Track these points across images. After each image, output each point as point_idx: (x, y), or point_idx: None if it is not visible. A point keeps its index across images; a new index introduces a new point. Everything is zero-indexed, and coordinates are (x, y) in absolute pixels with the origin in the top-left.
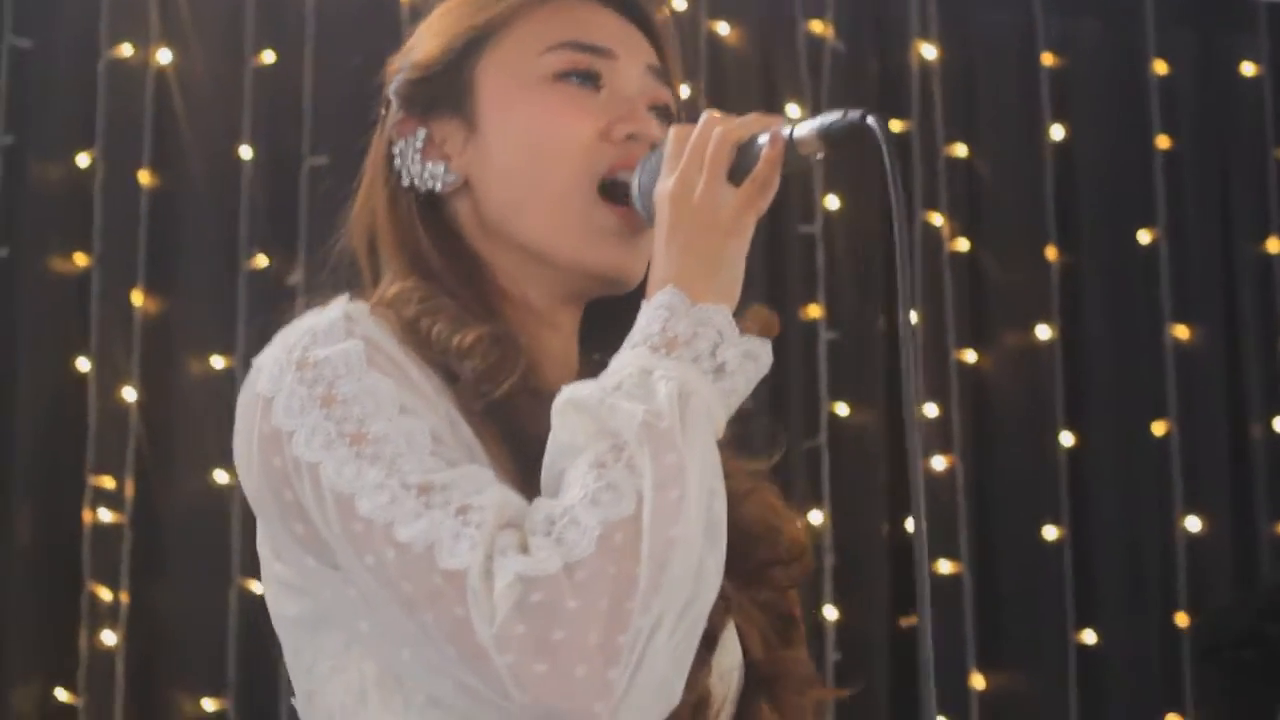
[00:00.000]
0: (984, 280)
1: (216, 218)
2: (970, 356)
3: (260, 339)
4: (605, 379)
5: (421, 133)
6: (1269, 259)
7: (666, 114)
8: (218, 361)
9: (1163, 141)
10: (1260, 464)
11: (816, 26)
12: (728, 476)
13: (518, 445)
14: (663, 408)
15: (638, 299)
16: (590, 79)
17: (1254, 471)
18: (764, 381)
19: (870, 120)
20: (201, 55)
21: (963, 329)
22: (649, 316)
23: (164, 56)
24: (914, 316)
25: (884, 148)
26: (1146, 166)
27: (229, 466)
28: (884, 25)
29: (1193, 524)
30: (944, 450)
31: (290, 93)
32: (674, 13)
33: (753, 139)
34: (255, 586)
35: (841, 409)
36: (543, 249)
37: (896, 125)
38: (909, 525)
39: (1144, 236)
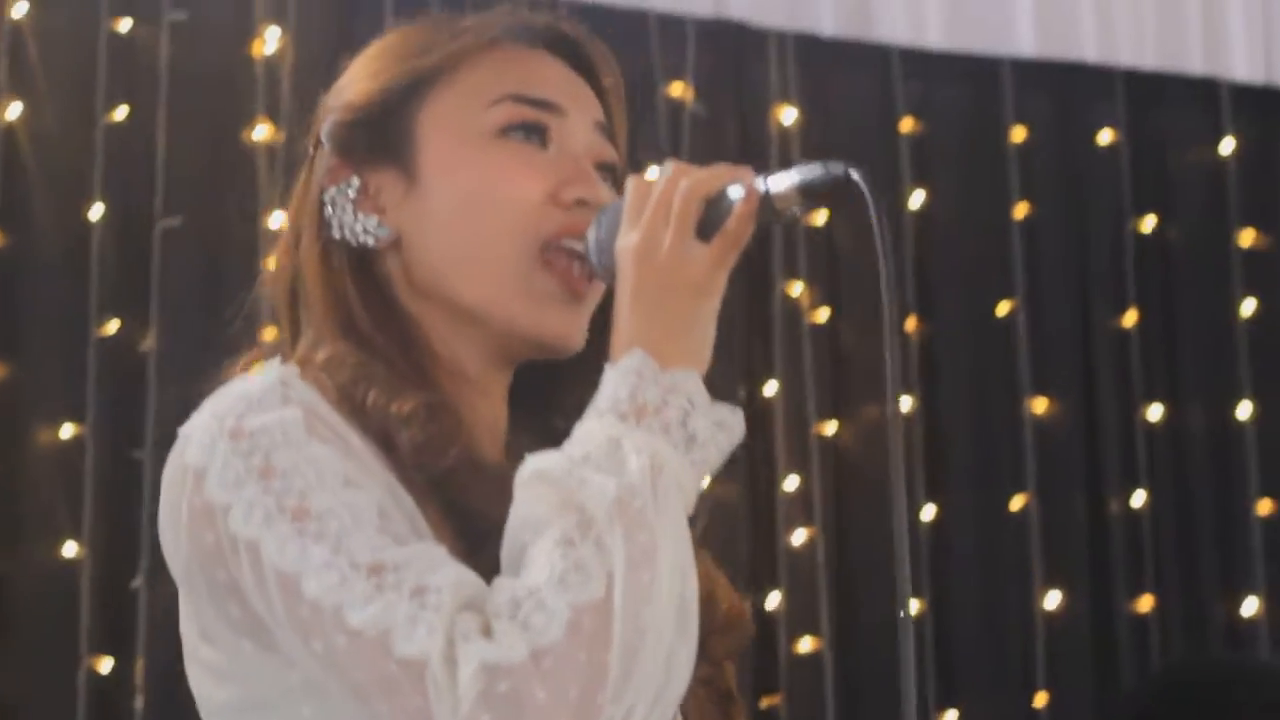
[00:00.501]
0: (843, 351)
1: (65, 280)
2: (830, 428)
3: (112, 407)
4: (572, 448)
5: (355, 181)
6: (1126, 332)
7: (612, 172)
8: (67, 430)
9: (1021, 209)
10: (1118, 539)
11: (676, 88)
12: None
13: (461, 520)
14: (636, 483)
15: (568, 362)
16: (536, 134)
17: (1112, 546)
18: None
19: (855, 175)
20: (51, 110)
21: (823, 400)
22: (616, 382)
23: (13, 111)
24: (905, 400)
25: (870, 204)
26: (1005, 235)
27: (79, 538)
28: (744, 88)
29: (1052, 599)
30: (805, 523)
31: (143, 151)
32: None
33: (722, 192)
34: (104, 666)
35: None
36: (479, 311)
37: None
38: (770, 602)
39: (1003, 307)
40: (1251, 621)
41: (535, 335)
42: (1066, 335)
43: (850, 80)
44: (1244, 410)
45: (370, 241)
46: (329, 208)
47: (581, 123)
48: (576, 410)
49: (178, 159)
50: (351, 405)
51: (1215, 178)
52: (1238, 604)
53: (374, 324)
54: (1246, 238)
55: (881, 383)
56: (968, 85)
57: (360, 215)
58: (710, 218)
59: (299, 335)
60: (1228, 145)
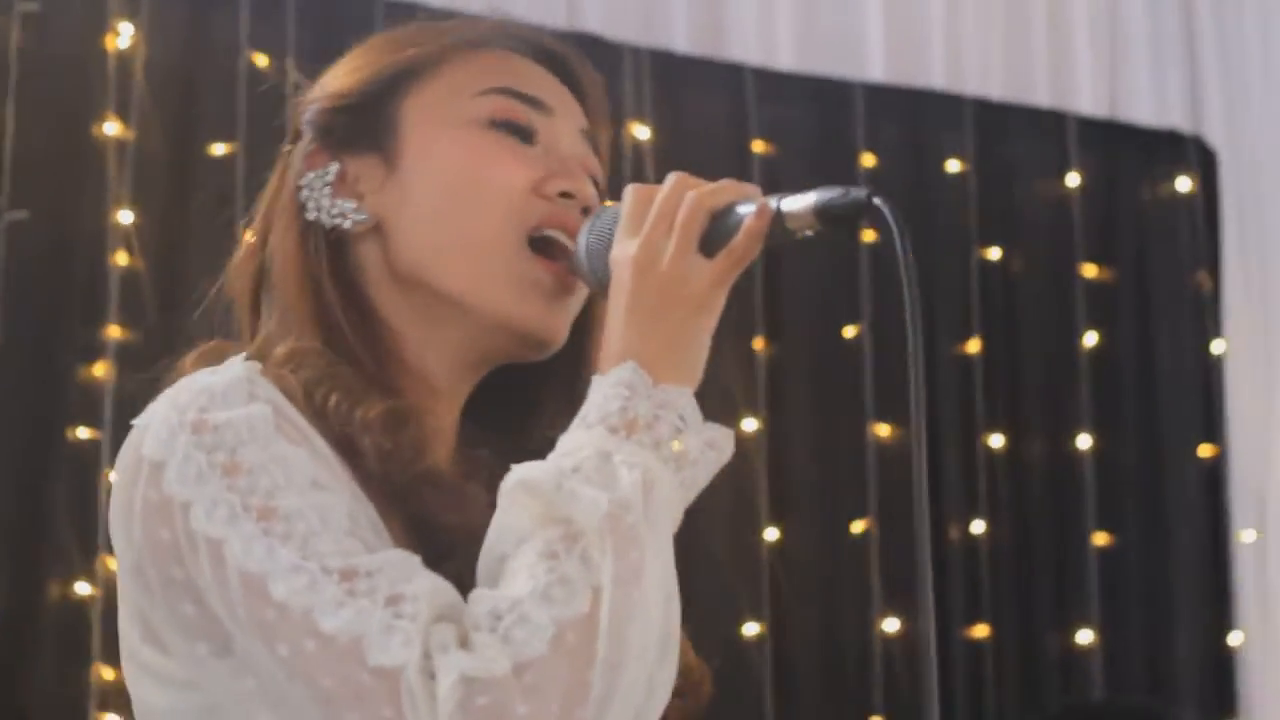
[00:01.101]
0: None
1: None
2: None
3: None
4: (560, 460)
5: (334, 167)
6: (969, 360)
7: (595, 185)
8: None
9: (869, 234)
10: (956, 566)
11: None
12: None
13: (420, 532)
14: (629, 498)
15: (528, 377)
16: (523, 132)
17: (950, 573)
18: None
19: (878, 200)
20: None
21: None
22: (606, 394)
23: None
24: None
25: (895, 231)
26: (852, 260)
27: None
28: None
29: (890, 624)
30: None
31: None
32: None
33: (729, 207)
34: None
35: None
36: (463, 297)
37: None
38: None
39: (849, 331)
40: (1085, 652)
41: (520, 325)
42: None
43: (704, 99)
44: (1083, 441)
45: (346, 224)
46: (305, 191)
47: (569, 126)
48: (541, 424)
49: (25, 152)
50: (313, 406)
51: (1060, 210)
52: (1072, 634)
53: (345, 312)
54: (1089, 270)
55: (731, 403)
56: (819, 108)
57: (338, 200)
58: (714, 233)
59: (255, 332)
60: (1073, 179)
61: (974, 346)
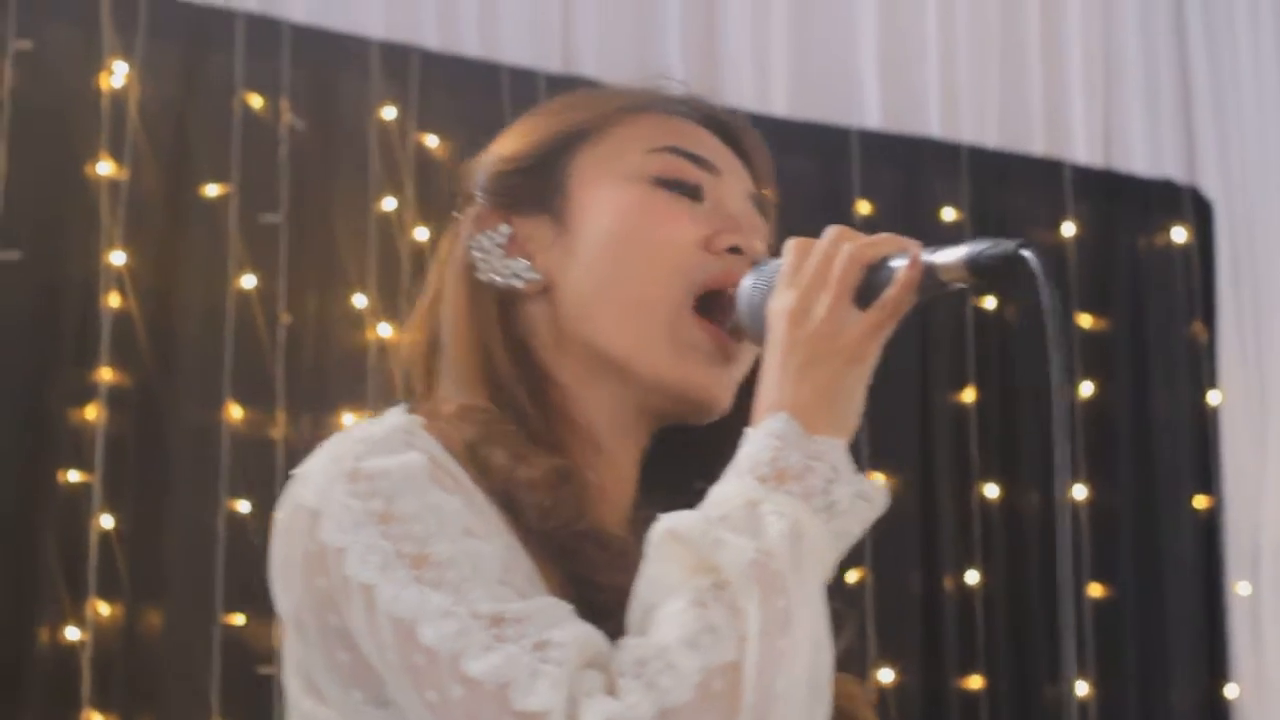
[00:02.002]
0: None
1: None
2: None
3: None
4: (708, 509)
5: (504, 229)
6: (964, 409)
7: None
8: None
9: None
10: (951, 616)
11: None
12: None
13: (580, 590)
14: (775, 546)
15: (704, 440)
16: (692, 191)
17: (945, 624)
18: None
19: (1025, 252)
20: None
21: None
22: (758, 444)
23: None
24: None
25: (1042, 284)
26: None
27: None
28: None
29: (885, 675)
30: None
31: None
32: (381, 123)
33: (884, 260)
34: None
35: None
36: (624, 359)
37: None
38: None
39: None
40: (1080, 703)
41: (680, 389)
42: (905, 411)
43: None
44: (1078, 492)
45: (519, 284)
46: (477, 253)
47: (736, 187)
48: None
49: (17, 191)
50: (476, 463)
51: (1055, 259)
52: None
53: (513, 371)
54: (1085, 320)
55: None
56: (814, 154)
57: (509, 260)
58: (869, 285)
59: (432, 393)
60: (1069, 228)
61: (969, 395)
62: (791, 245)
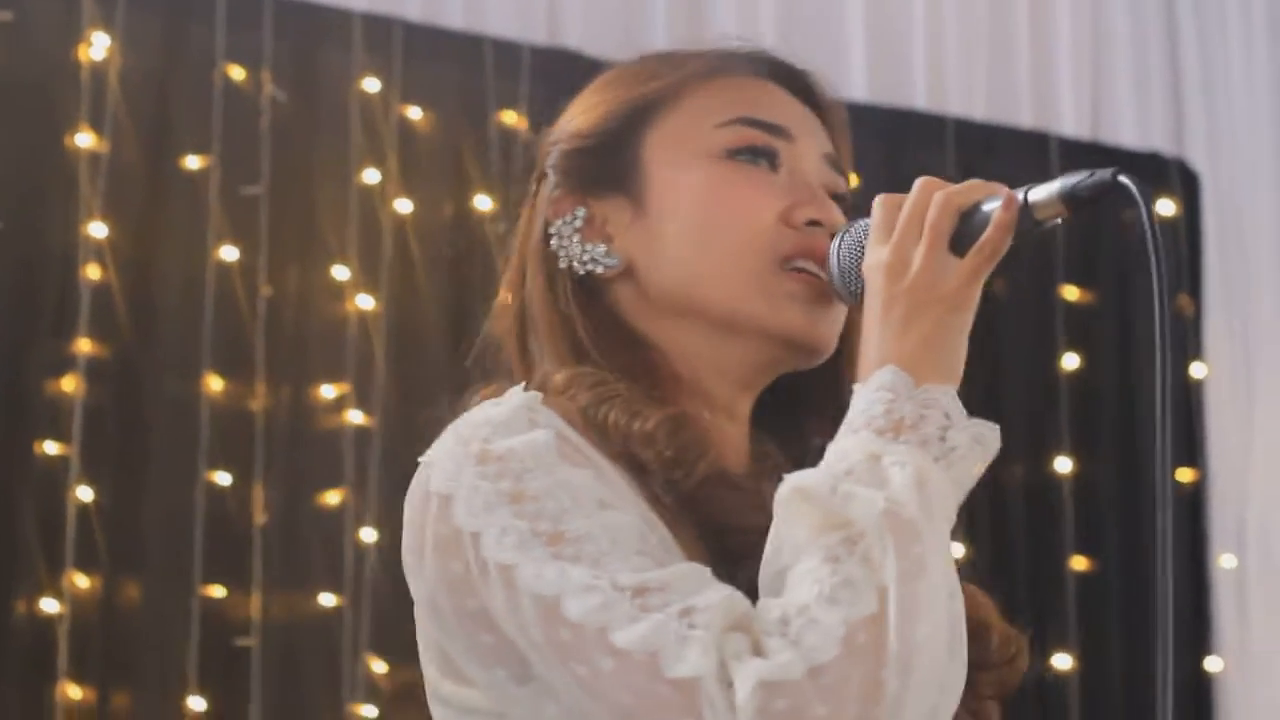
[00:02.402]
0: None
1: None
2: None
3: None
4: (832, 465)
5: (580, 211)
6: None
7: (842, 203)
8: None
9: None
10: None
11: (509, 117)
12: None
13: (715, 539)
14: (903, 495)
15: (812, 388)
16: (767, 157)
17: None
18: None
19: (1123, 178)
20: None
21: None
22: (869, 399)
23: None
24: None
25: (1143, 208)
26: None
27: None
28: None
29: None
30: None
31: None
32: (363, 95)
33: (976, 205)
34: None
35: None
36: (727, 317)
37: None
38: None
39: None
40: (1063, 676)
41: (783, 333)
42: None
43: None
44: (1062, 465)
45: (598, 269)
46: (554, 239)
47: (811, 149)
48: (821, 435)
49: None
50: (595, 428)
51: (1042, 231)
52: (1050, 659)
53: (602, 349)
54: (1070, 293)
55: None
56: None
57: (587, 245)
58: (963, 231)
59: (532, 371)
60: None
61: None
62: (880, 201)
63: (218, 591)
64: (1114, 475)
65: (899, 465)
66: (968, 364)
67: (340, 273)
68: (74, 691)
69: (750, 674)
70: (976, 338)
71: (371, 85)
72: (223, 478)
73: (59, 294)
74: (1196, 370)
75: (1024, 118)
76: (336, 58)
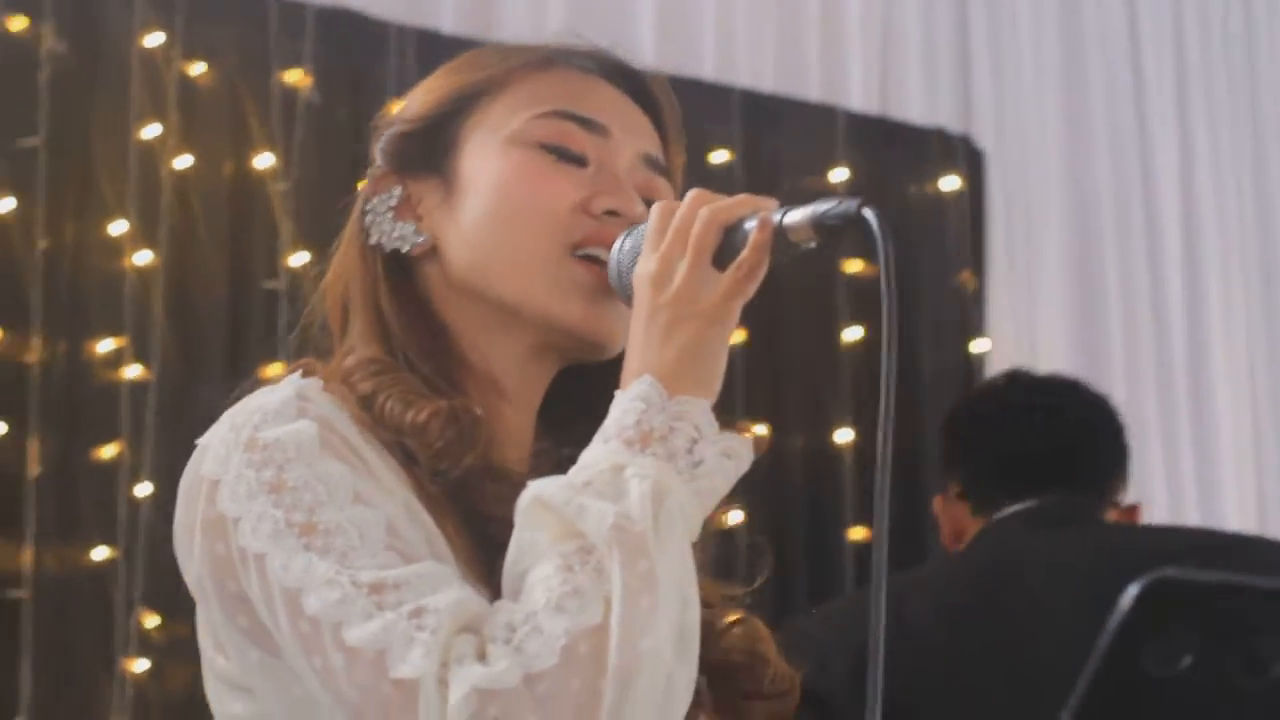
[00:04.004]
0: None
1: None
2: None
3: None
4: (574, 475)
5: (397, 190)
6: (732, 351)
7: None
8: None
9: None
10: (709, 555)
11: (292, 76)
12: (710, 604)
13: (479, 530)
14: (634, 509)
15: (603, 378)
16: (576, 158)
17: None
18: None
19: (866, 211)
20: None
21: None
22: (623, 408)
23: None
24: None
25: (879, 241)
26: None
27: None
28: (361, 84)
29: None
30: None
31: None
32: (144, 50)
33: (740, 221)
34: None
35: None
36: (512, 303)
37: None
38: None
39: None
40: None
41: (568, 324)
42: (789, 364)
43: None
44: (843, 436)
45: (405, 247)
46: (369, 216)
47: (628, 148)
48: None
49: None
50: (371, 416)
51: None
52: None
53: (403, 328)
54: (853, 265)
55: None
56: None
57: (399, 224)
58: (727, 247)
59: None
60: (840, 174)
61: (737, 337)
62: (656, 209)
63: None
64: (894, 448)
65: (639, 478)
66: (753, 335)
67: (118, 227)
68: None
69: (465, 679)
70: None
71: (154, 40)
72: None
73: None
74: (979, 345)
75: (812, 92)
76: (119, 11)
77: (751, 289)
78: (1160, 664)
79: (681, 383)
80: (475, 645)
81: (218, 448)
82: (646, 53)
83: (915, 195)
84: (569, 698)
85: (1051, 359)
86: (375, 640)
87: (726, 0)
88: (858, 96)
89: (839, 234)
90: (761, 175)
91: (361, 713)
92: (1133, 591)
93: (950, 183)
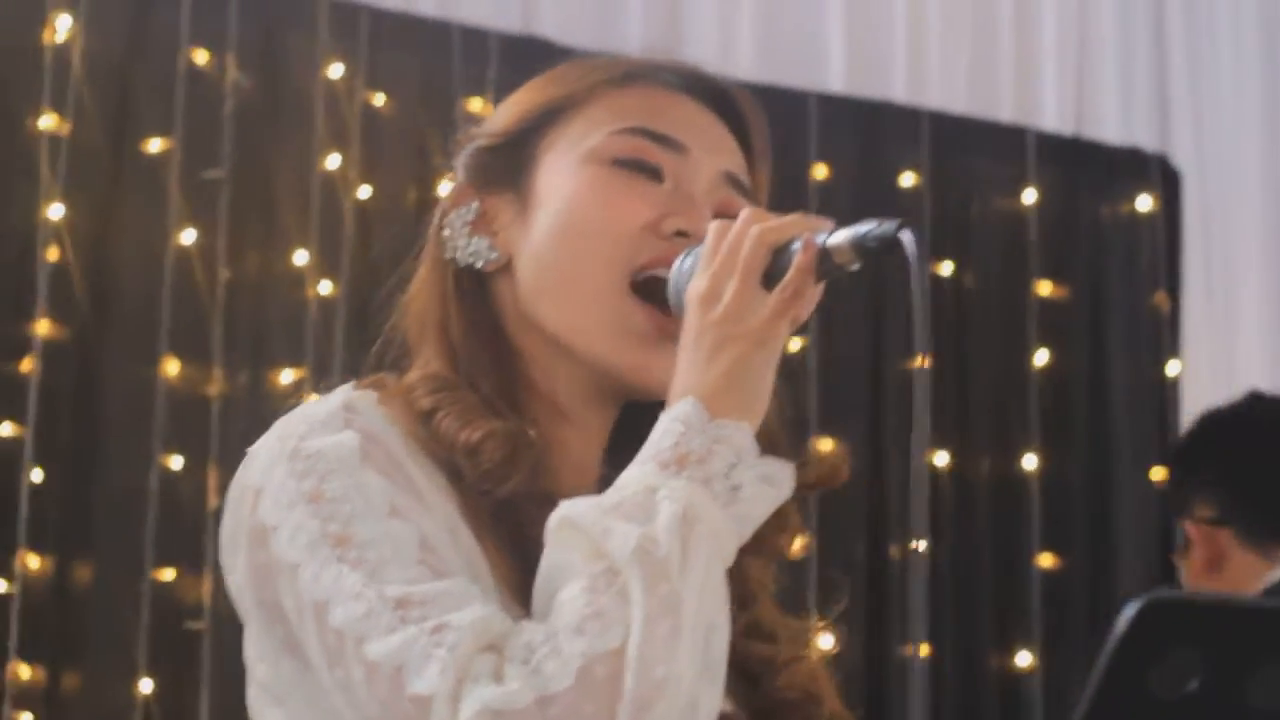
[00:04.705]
0: None
1: None
2: None
3: None
4: (606, 496)
5: (475, 205)
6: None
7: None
8: None
9: None
10: (896, 584)
11: (475, 105)
12: (774, 640)
13: (521, 553)
14: (661, 533)
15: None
16: (650, 171)
17: (890, 591)
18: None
19: (904, 234)
20: None
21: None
22: (663, 430)
23: None
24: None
25: (913, 266)
26: None
27: None
28: None
29: (825, 642)
30: None
31: None
32: (327, 81)
33: (789, 243)
34: None
35: None
36: (565, 340)
37: None
38: None
39: (793, 344)
40: (1025, 673)
41: (619, 371)
42: (856, 375)
43: None
44: (1029, 461)
45: (478, 263)
46: (446, 230)
47: (708, 166)
48: None
49: None
50: (428, 432)
51: (1016, 226)
52: (1012, 655)
53: (472, 349)
54: (1043, 288)
55: None
56: (773, 117)
57: (474, 239)
58: (776, 268)
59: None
60: (1030, 195)
61: (918, 362)
62: (713, 228)
63: (169, 574)
64: (1082, 472)
65: (670, 500)
66: (939, 360)
67: (300, 258)
68: (24, 671)
69: (477, 699)
70: (947, 332)
71: (336, 71)
72: (176, 461)
73: (17, 276)
74: (1172, 368)
75: (1005, 113)
76: (302, 43)
77: (802, 311)
78: (1166, 687)
79: (724, 405)
80: (494, 664)
81: (264, 456)
82: (836, 77)
83: (1108, 215)
84: None
85: (1249, 382)
86: (394, 655)
87: (919, 22)
88: (1051, 117)
89: (879, 256)
90: (950, 197)
91: None
92: (1129, 613)
93: (1144, 202)
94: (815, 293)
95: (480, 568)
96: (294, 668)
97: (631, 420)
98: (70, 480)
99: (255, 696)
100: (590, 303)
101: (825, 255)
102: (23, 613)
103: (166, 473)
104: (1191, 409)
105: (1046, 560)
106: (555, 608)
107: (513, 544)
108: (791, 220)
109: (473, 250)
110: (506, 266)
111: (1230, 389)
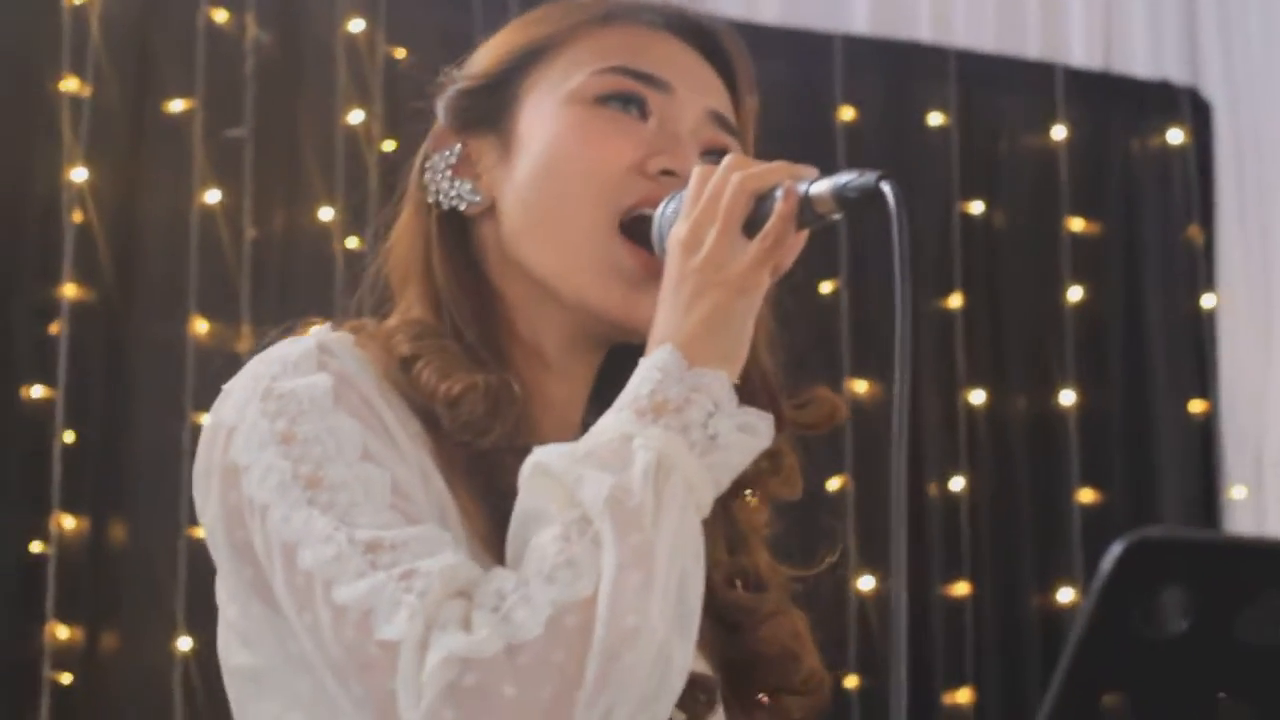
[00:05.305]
0: None
1: None
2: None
3: None
4: (581, 443)
5: (457, 148)
6: (951, 315)
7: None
8: None
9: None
10: (935, 523)
11: None
12: (762, 587)
13: (496, 503)
14: (634, 482)
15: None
16: (635, 104)
17: (928, 530)
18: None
19: (884, 184)
20: None
21: None
22: (640, 377)
23: None
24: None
25: (894, 213)
26: None
27: None
28: None
29: (866, 583)
30: None
31: None
32: (348, 35)
33: (773, 190)
34: None
35: None
36: (550, 282)
37: None
38: None
39: (825, 286)
40: (1067, 610)
41: (604, 311)
42: (889, 316)
43: None
44: (1066, 398)
45: (461, 206)
46: (428, 174)
47: (693, 104)
48: None
49: None
50: (405, 378)
51: (1046, 163)
52: (1053, 592)
53: (455, 293)
54: (1075, 224)
55: None
56: (797, 60)
57: (457, 181)
58: (758, 216)
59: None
60: (1060, 131)
61: (956, 301)
62: (696, 173)
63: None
64: (1119, 407)
65: (645, 449)
66: (973, 301)
67: (326, 214)
68: (62, 632)
69: (444, 646)
70: (979, 270)
71: (357, 26)
72: (207, 419)
73: (43, 240)
74: (1207, 300)
75: (1032, 49)
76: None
77: (783, 259)
78: (1154, 627)
79: (703, 353)
80: (463, 611)
81: (238, 394)
82: (860, 19)
83: (1139, 149)
84: (550, 670)
85: None
86: (363, 600)
87: None
88: (1079, 51)
89: (859, 206)
90: (979, 136)
91: (344, 671)
92: (1115, 552)
93: (1176, 135)
94: (798, 241)
95: (451, 516)
96: (263, 610)
97: (617, 369)
98: (102, 441)
99: (225, 638)
100: (577, 244)
101: (807, 203)
102: (59, 574)
103: (198, 431)
104: (1228, 341)
105: (1087, 496)
106: (527, 555)
107: (486, 494)
108: (774, 167)
109: (455, 193)
110: (490, 210)
111: (1267, 320)
